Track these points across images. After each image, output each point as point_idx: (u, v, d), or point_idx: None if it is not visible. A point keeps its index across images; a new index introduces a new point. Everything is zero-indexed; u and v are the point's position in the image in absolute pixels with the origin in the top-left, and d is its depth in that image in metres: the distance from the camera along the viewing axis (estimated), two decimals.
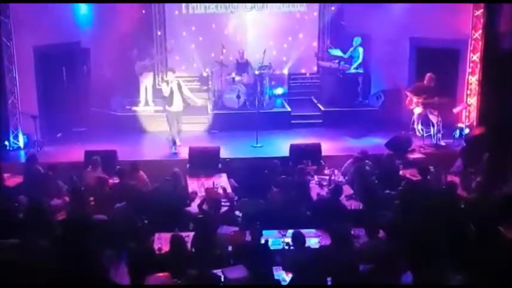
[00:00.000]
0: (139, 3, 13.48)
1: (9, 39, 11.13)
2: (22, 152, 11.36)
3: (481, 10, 11.12)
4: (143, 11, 14.13)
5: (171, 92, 11.08)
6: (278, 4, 14.23)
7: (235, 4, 14.16)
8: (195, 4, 14.30)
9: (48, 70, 12.13)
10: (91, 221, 7.55)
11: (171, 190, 8.38)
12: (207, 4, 14.20)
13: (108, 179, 8.88)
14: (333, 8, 14.36)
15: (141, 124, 12.70)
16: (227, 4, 14.19)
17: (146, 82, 13.29)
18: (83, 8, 12.79)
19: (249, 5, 14.16)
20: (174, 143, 11.30)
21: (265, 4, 14.08)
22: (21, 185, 9.24)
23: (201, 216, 7.59)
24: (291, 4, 14.34)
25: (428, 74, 11.60)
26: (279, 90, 13.98)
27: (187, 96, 11.48)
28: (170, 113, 11.29)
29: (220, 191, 8.52)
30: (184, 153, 10.71)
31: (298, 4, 14.37)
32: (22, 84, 11.44)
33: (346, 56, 13.45)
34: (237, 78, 13.25)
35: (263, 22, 14.37)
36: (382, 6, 12.64)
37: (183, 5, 14.37)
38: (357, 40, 13.34)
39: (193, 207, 8.20)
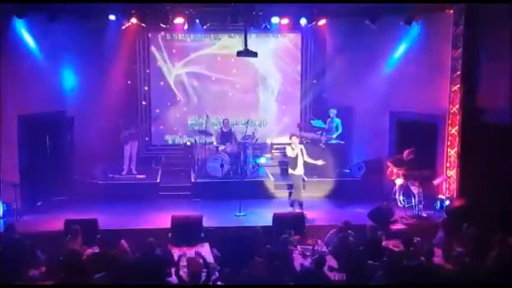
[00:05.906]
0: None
1: None
2: (1, 221, 11.07)
3: (458, 85, 11.52)
4: (128, 82, 14.44)
5: (296, 156, 11.44)
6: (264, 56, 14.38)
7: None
8: (178, 74, 14.76)
9: (31, 138, 12.06)
10: None
11: (152, 260, 8.22)
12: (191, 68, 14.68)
13: (86, 248, 8.69)
14: (314, 82, 14.83)
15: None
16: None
17: (131, 150, 13.39)
18: (70, 78, 12.94)
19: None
20: (300, 204, 11.54)
21: (249, 59, 14.08)
22: None
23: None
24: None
25: (407, 150, 11.67)
26: (262, 160, 14.10)
27: (309, 160, 11.74)
28: (295, 176, 11.60)
29: (201, 260, 8.36)
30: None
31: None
32: (4, 152, 11.27)
33: (326, 127, 13.72)
34: (221, 147, 13.37)
35: (246, 90, 14.84)
36: (362, 80, 13.02)
37: (167, 77, 14.79)
38: (333, 111, 13.67)
39: (175, 278, 8.01)
